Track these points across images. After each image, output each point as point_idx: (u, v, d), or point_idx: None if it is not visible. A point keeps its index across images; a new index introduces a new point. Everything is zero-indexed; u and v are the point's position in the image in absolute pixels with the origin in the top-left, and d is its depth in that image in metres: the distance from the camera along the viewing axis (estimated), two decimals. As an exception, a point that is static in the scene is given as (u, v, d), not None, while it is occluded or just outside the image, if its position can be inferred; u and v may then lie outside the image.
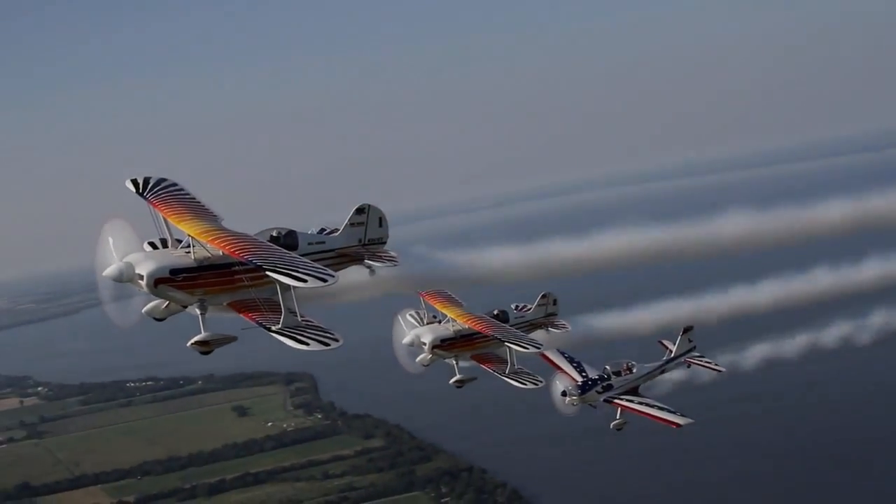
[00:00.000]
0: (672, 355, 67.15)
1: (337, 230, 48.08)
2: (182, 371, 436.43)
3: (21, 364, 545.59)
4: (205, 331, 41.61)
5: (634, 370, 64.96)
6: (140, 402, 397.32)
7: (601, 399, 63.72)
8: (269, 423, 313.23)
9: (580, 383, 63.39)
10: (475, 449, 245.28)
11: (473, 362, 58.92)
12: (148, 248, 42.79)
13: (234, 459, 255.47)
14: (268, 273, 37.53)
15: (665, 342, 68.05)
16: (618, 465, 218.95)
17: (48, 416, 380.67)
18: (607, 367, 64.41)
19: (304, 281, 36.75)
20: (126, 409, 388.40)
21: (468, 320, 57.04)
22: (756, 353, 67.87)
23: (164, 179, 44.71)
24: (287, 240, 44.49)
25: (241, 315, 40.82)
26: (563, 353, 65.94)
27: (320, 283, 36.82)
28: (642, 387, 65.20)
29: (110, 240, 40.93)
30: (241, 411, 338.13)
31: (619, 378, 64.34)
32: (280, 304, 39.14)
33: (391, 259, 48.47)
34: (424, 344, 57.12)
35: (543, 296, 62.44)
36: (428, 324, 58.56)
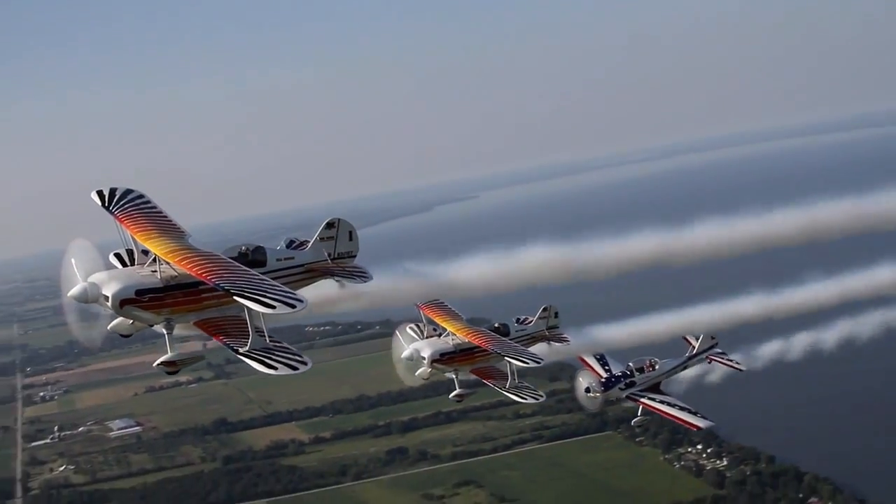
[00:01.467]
0: (694, 352, 67.82)
1: (306, 242, 48.06)
2: (358, 317, 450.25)
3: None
4: (171, 350, 41.69)
5: (657, 367, 65.56)
6: (321, 346, 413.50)
7: (624, 395, 64.50)
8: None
9: (603, 380, 64.42)
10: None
11: (473, 376, 59.10)
12: (114, 261, 43.16)
13: (423, 399, 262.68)
14: (235, 298, 36.38)
15: (688, 337, 68.80)
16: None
17: (233, 358, 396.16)
18: (631, 363, 65.40)
19: (273, 307, 35.62)
20: (307, 352, 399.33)
21: (468, 334, 56.65)
22: None
23: (130, 191, 44.22)
24: (256, 255, 44.23)
25: (208, 335, 40.47)
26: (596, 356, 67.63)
27: (288, 310, 35.88)
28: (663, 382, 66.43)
29: (73, 260, 40.66)
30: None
31: (642, 375, 64.95)
32: (247, 323, 38.76)
33: (362, 275, 47.57)
34: (423, 358, 56.94)
35: (545, 309, 62.59)
36: (427, 337, 58.55)
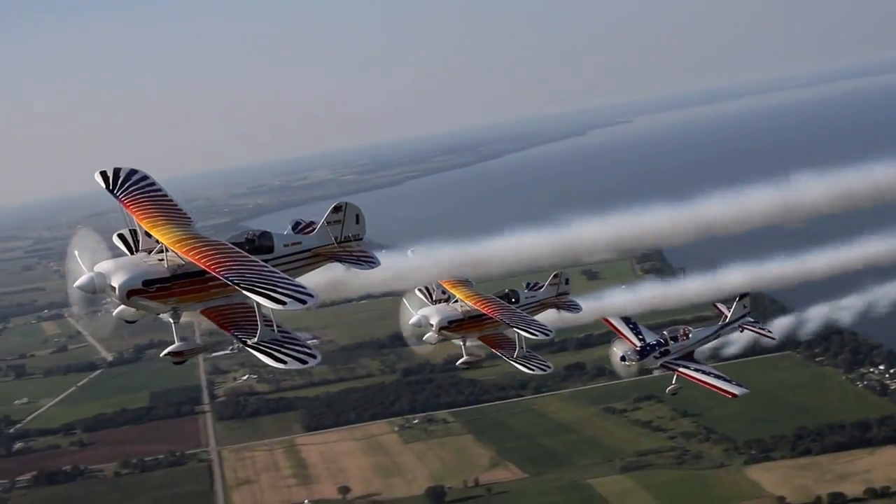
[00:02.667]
0: (727, 321, 68.75)
1: (313, 224, 47.66)
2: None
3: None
4: (178, 340, 40.95)
5: (690, 336, 66.25)
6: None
7: (658, 364, 65.16)
8: (623, 287, 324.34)
9: (639, 348, 64.98)
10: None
11: (481, 343, 58.24)
12: (118, 242, 42.90)
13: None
14: (245, 293, 35.89)
15: (720, 306, 70.10)
16: None
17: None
18: (665, 332, 65.96)
19: (283, 303, 34.94)
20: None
21: (477, 302, 56.05)
22: None
23: (134, 172, 43.76)
24: (262, 241, 43.64)
25: (216, 325, 39.68)
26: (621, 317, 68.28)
27: (299, 305, 35.04)
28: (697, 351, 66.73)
29: (77, 252, 40.39)
30: (591, 275, 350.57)
31: (676, 343, 65.61)
32: (255, 312, 38.08)
33: (369, 260, 47.00)
34: (432, 325, 56.17)
35: (555, 275, 62.01)
36: (436, 301, 57.94)
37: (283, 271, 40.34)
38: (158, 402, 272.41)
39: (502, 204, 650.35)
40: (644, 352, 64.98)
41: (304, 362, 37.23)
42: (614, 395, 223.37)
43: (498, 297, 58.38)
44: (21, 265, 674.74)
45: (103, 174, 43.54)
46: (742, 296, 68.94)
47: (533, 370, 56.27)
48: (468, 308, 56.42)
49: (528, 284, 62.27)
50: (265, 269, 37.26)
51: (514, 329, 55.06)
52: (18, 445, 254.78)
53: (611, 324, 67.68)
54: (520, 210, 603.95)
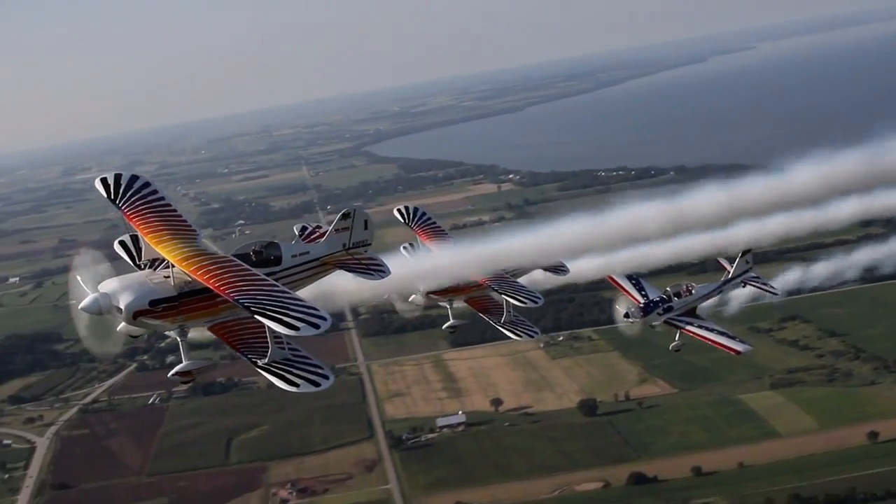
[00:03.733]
0: (730, 276, 68.21)
1: (319, 226, 47.32)
2: (651, 161, 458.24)
3: (484, 154, 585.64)
4: (186, 359, 39.59)
5: (693, 292, 65.85)
6: (616, 190, 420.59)
7: (661, 320, 64.62)
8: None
9: (642, 305, 64.59)
10: None
11: (467, 305, 57.52)
12: (119, 250, 42.53)
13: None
14: (257, 317, 34.55)
15: (722, 261, 69.35)
16: None
17: (532, 200, 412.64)
18: (668, 288, 65.59)
19: (296, 329, 33.53)
20: (603, 195, 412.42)
21: None
22: None
23: (135, 178, 42.78)
24: (271, 252, 42.68)
25: (224, 342, 38.63)
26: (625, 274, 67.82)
27: (312, 331, 33.62)
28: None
29: (78, 272, 39.65)
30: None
31: (679, 300, 65.27)
32: (265, 329, 36.70)
33: (378, 269, 45.14)
34: (419, 289, 55.58)
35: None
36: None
37: (292, 282, 41.63)
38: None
39: (619, 130, 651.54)
40: (647, 308, 64.50)
41: (316, 384, 36.16)
42: (758, 315, 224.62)
43: None
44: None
45: (103, 181, 42.21)
46: (745, 251, 68.39)
47: (521, 336, 54.88)
48: None
49: None
50: (275, 288, 35.73)
51: (502, 296, 53.99)
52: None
53: (614, 281, 67.20)
54: (636, 136, 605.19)
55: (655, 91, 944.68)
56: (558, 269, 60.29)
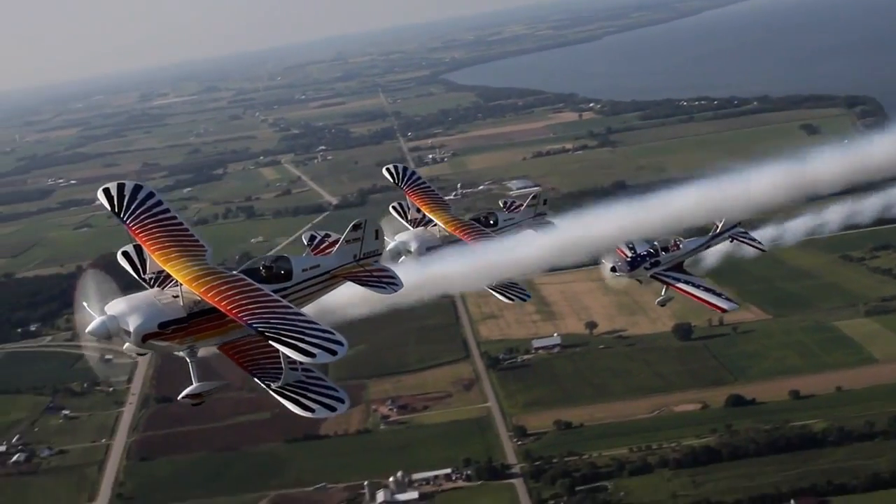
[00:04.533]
0: (717, 231, 66.31)
1: (329, 235, 46.47)
2: (733, 92, 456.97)
3: (562, 83, 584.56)
4: (196, 380, 38.03)
5: (682, 246, 64.31)
6: (699, 119, 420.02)
7: (648, 275, 63.34)
8: (846, 141, 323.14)
9: (629, 259, 63.30)
10: None
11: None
12: (122, 262, 41.20)
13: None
14: (271, 342, 33.28)
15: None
16: None
17: (614, 128, 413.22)
18: (656, 242, 63.84)
19: (312, 356, 32.29)
20: (686, 125, 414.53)
21: (457, 229, 54.33)
22: None
23: (139, 188, 40.99)
24: (281, 266, 41.01)
25: (235, 363, 37.10)
26: None
27: (329, 357, 32.33)
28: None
29: (84, 295, 37.57)
30: (811, 129, 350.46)
31: (667, 254, 63.80)
32: (277, 350, 34.57)
33: (391, 283, 43.83)
34: (409, 252, 54.44)
35: (534, 196, 60.96)
36: (412, 221, 56.40)
37: (303, 297, 40.76)
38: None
39: (698, 60, 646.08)
40: (634, 262, 62.82)
41: (332, 409, 34.79)
42: (850, 244, 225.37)
43: (476, 220, 56.59)
44: (228, 114, 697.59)
45: (106, 192, 40.26)
46: None
47: (512, 300, 53.11)
48: (446, 234, 54.38)
49: (505, 204, 60.88)
50: (288, 311, 34.45)
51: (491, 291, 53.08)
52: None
53: None
54: (714, 66, 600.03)
55: (734, 21, 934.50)
56: (546, 225, 60.38)
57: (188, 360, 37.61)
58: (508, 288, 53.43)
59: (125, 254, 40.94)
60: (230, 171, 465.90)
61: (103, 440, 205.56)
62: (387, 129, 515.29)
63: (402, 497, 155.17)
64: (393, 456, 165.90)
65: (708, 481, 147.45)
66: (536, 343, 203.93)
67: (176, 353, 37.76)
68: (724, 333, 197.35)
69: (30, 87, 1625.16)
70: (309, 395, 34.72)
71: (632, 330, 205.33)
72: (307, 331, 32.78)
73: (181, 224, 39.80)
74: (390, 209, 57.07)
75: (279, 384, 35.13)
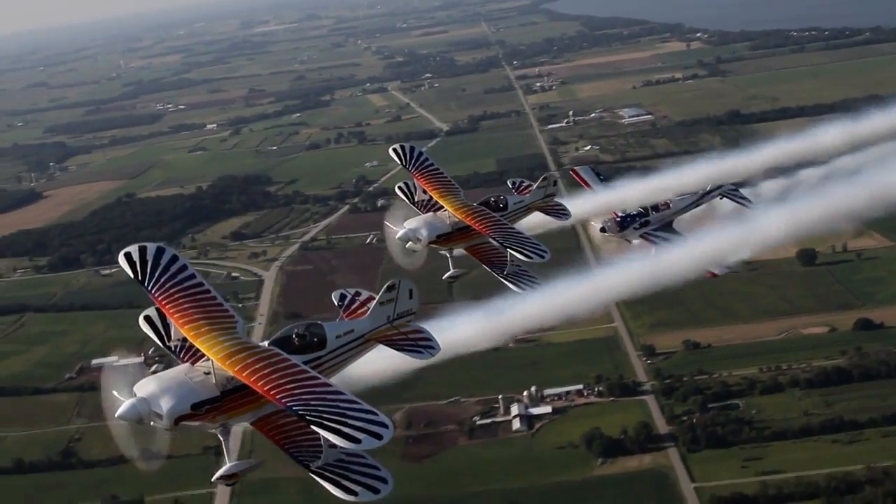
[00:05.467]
0: (708, 188, 65.01)
1: (359, 293, 44.59)
2: (844, 23, 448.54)
3: (668, 12, 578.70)
4: (230, 460, 36.67)
5: (671, 205, 62.84)
6: (810, 50, 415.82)
7: (637, 235, 61.55)
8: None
9: (619, 219, 61.64)
10: None
11: (467, 252, 54.63)
12: (145, 327, 39.30)
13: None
14: (312, 427, 31.76)
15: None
16: None
17: (724, 58, 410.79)
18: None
19: (358, 441, 30.96)
20: (797, 55, 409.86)
21: (467, 216, 52.43)
22: None
23: (162, 252, 39.30)
24: (314, 332, 39.46)
25: (271, 441, 35.22)
26: (597, 175, 64.91)
27: (375, 442, 30.84)
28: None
29: (111, 388, 35.58)
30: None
31: (657, 213, 62.16)
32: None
33: (428, 346, 42.59)
34: (419, 240, 52.77)
35: (544, 178, 58.42)
36: (419, 204, 54.93)
37: (336, 365, 39.52)
38: (506, 168, 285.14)
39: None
40: (624, 223, 61.32)
41: (376, 491, 32.84)
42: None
43: (484, 204, 54.75)
44: (330, 42, 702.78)
45: (127, 257, 38.46)
46: None
47: (523, 289, 51.51)
48: (455, 219, 52.67)
49: (514, 184, 58.58)
50: (329, 390, 33.00)
51: (508, 250, 51.28)
52: (382, 202, 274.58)
53: (578, 175, 64.26)
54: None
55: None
56: (559, 213, 57.97)
57: (220, 437, 36.25)
58: (519, 276, 51.83)
59: (147, 318, 39.00)
60: (337, 97, 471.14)
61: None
62: (492, 58, 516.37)
63: (535, 411, 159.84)
64: (523, 373, 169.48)
65: (839, 401, 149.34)
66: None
67: (209, 430, 36.18)
68: (848, 260, 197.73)
69: (128, 13, 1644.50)
70: (350, 476, 33.05)
71: (754, 255, 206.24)
72: (349, 412, 31.51)
73: (208, 292, 37.89)
74: (396, 190, 55.72)
75: (318, 465, 33.49)
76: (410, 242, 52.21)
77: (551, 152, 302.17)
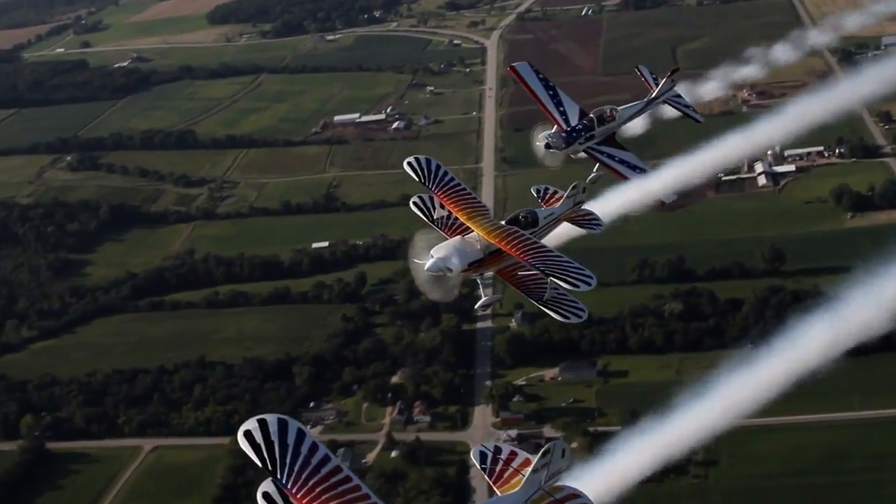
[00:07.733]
0: (653, 95, 61.67)
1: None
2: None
3: None
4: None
5: (617, 116, 59.17)
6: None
7: (582, 149, 57.84)
8: None
9: (564, 135, 57.52)
10: None
11: (499, 276, 49.92)
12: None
13: None
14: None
15: (647, 78, 62.49)
16: None
17: None
18: (592, 114, 58.49)
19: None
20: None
21: (500, 240, 47.13)
22: None
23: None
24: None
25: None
26: (545, 84, 59.34)
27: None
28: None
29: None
30: None
31: (603, 126, 58.36)
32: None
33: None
34: (451, 270, 47.29)
35: (573, 186, 52.36)
36: (438, 222, 49.88)
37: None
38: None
39: None
40: (570, 137, 57.18)
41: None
42: None
43: (513, 222, 48.97)
44: None
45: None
46: (673, 70, 62.11)
47: (568, 318, 46.48)
48: (486, 243, 47.64)
49: (539, 192, 53.14)
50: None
51: (550, 278, 45.51)
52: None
53: (521, 79, 59.23)
54: None
55: None
56: (592, 223, 52.79)
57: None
58: (560, 302, 46.34)
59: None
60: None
61: (473, 112, 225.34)
62: None
63: (779, 168, 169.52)
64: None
65: None
66: (886, 40, 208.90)
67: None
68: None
69: None
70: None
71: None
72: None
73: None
74: (410, 205, 50.03)
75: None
76: (441, 273, 46.93)
77: None
